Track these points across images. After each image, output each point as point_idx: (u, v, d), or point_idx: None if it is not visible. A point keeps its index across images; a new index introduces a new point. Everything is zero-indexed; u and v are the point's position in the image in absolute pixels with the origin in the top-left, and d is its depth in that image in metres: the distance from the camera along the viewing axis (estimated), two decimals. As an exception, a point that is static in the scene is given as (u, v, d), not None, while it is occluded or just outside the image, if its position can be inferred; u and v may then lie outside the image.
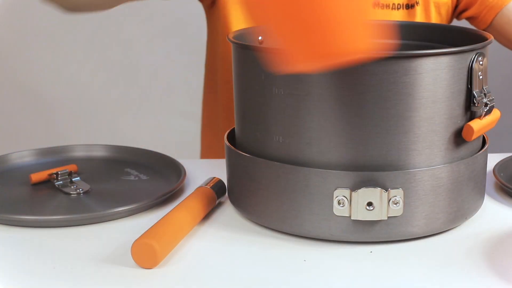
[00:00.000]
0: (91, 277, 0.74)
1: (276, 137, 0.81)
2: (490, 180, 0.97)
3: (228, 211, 0.90)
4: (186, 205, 0.84)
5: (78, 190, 0.94)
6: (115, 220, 0.87)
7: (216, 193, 0.90)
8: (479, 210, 0.88)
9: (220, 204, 0.92)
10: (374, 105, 0.76)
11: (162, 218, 0.80)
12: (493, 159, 0.99)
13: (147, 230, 0.77)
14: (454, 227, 0.84)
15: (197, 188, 0.89)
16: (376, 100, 0.76)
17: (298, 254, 0.79)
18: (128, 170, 1.02)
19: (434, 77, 0.77)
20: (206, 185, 0.90)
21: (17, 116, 2.56)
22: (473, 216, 0.87)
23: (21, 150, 1.06)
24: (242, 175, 0.85)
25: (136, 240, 0.75)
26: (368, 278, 0.74)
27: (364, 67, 0.75)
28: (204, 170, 1.01)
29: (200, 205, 0.86)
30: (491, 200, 0.93)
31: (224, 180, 0.92)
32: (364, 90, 0.76)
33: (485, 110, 0.81)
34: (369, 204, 0.77)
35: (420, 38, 0.98)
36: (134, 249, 0.75)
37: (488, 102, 0.81)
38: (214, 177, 0.92)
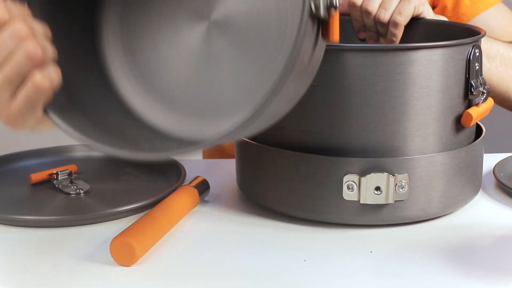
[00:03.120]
0: (91, 277, 0.74)
1: (287, 126, 0.83)
2: (490, 180, 0.97)
3: (225, 210, 0.90)
4: (167, 204, 0.84)
5: (78, 190, 0.94)
6: (115, 220, 0.87)
7: (199, 192, 0.90)
8: (479, 209, 0.89)
9: (218, 203, 0.92)
10: (382, 94, 0.80)
11: (142, 216, 0.81)
12: (493, 159, 0.99)
13: (126, 228, 0.77)
14: (453, 212, 0.86)
15: (180, 187, 0.90)
16: (384, 89, 0.80)
17: (298, 254, 0.79)
18: (128, 170, 1.02)
19: (437, 68, 0.81)
20: (189, 183, 0.90)
21: (17, 116, 2.56)
22: (473, 216, 0.88)
23: (21, 150, 1.06)
24: (253, 164, 0.87)
25: (114, 238, 0.76)
26: (368, 278, 0.74)
27: (373, 58, 0.80)
28: (204, 170, 1.01)
29: (182, 203, 0.86)
30: (491, 200, 0.93)
31: (212, 180, 0.93)
32: (374, 81, 0.80)
33: (482, 98, 0.85)
34: (377, 188, 0.81)
35: (420, 33, 1.02)
36: (113, 247, 0.75)
37: (484, 90, 0.85)
38: (198, 176, 0.92)
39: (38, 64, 0.61)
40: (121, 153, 0.66)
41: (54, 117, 0.66)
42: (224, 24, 0.76)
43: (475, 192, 0.90)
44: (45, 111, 0.65)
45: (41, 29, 0.63)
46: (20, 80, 0.61)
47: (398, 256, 0.78)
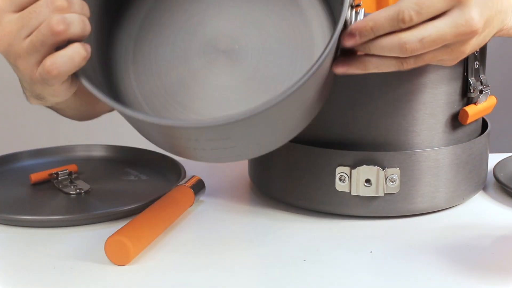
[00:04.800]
0: (91, 277, 0.74)
1: None
2: (490, 180, 0.97)
3: (220, 210, 0.90)
4: (162, 203, 0.85)
5: (78, 190, 0.94)
6: (115, 220, 0.87)
7: (195, 191, 0.90)
8: (479, 209, 0.89)
9: (215, 203, 0.92)
10: (375, 89, 0.82)
11: (136, 216, 0.81)
12: (493, 159, 0.99)
13: (120, 228, 0.77)
14: (453, 212, 0.88)
15: (175, 186, 0.90)
16: (377, 84, 0.82)
17: (298, 254, 0.79)
18: (128, 170, 1.02)
19: (432, 65, 0.82)
20: (185, 183, 0.90)
21: (17, 116, 2.56)
22: (473, 216, 0.88)
23: (21, 150, 1.06)
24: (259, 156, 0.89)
25: (108, 237, 0.76)
26: (368, 278, 0.74)
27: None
28: (204, 170, 1.01)
29: (177, 203, 0.86)
30: (491, 200, 0.93)
31: (205, 179, 0.93)
32: (367, 75, 0.80)
33: (481, 96, 0.86)
34: (367, 181, 0.83)
35: None
36: (107, 246, 0.75)
37: (483, 89, 0.86)
38: (193, 176, 0.92)
39: (61, 38, 0.63)
40: (148, 118, 0.67)
41: (84, 81, 0.67)
42: (236, 56, 0.79)
43: (475, 189, 0.90)
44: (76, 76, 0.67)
45: (79, 5, 0.65)
46: (45, 50, 0.63)
47: (397, 256, 0.78)
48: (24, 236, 0.83)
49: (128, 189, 0.96)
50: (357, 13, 0.70)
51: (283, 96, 0.65)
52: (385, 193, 0.84)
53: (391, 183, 0.83)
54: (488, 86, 0.87)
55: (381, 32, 0.69)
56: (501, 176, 0.96)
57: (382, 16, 0.68)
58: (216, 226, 0.86)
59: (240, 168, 1.03)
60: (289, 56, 0.78)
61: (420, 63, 0.72)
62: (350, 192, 0.84)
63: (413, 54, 0.70)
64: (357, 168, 0.83)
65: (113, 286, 0.72)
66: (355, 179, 0.83)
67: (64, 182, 0.96)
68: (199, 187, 0.91)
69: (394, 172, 0.83)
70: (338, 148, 0.84)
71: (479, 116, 0.88)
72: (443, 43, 0.70)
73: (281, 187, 0.89)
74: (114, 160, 1.06)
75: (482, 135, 0.89)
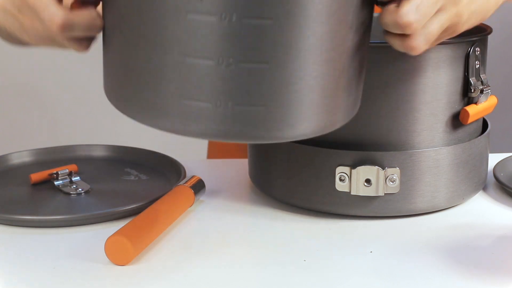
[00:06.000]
0: (91, 277, 0.74)
1: None
2: (490, 180, 0.97)
3: (221, 210, 0.90)
4: (162, 203, 0.84)
5: (78, 190, 0.94)
6: (115, 220, 0.87)
7: (195, 191, 0.90)
8: (479, 209, 0.89)
9: (214, 203, 0.92)
10: (376, 89, 0.82)
11: (136, 216, 0.81)
12: (493, 159, 0.99)
13: (120, 228, 0.77)
14: (453, 212, 0.88)
15: (175, 186, 0.90)
16: (378, 84, 0.83)
17: (298, 254, 0.79)
18: (128, 170, 1.02)
19: (433, 65, 0.83)
20: (185, 183, 0.90)
21: (17, 116, 2.56)
22: (473, 216, 0.88)
23: (21, 150, 1.06)
24: (259, 155, 0.91)
25: (108, 237, 0.75)
26: (368, 278, 0.74)
27: (369, 54, 0.80)
28: (204, 170, 1.01)
29: (177, 203, 0.86)
30: (491, 200, 0.93)
31: (205, 179, 0.93)
32: (369, 76, 0.80)
33: (481, 96, 0.86)
34: (367, 181, 0.83)
35: None
36: (107, 246, 0.75)
37: (483, 89, 0.86)
38: (193, 176, 0.92)
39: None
40: None
41: None
42: None
43: (475, 189, 0.90)
44: None
45: None
46: None
47: (397, 256, 0.78)
48: (24, 236, 0.83)
49: (128, 189, 0.96)
50: None
51: None
52: (385, 193, 0.84)
53: (391, 183, 0.83)
54: (489, 86, 0.87)
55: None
56: (501, 176, 0.96)
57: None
58: (216, 226, 0.86)
59: (240, 168, 1.03)
60: None
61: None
62: (350, 192, 0.84)
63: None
64: (357, 168, 0.83)
65: (113, 286, 0.72)
66: (355, 179, 0.83)
67: (64, 182, 0.96)
68: (199, 187, 0.91)
69: (394, 172, 0.83)
70: (338, 148, 0.84)
71: (480, 116, 0.89)
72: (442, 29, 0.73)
73: (281, 187, 0.89)
74: (114, 160, 1.06)
75: (482, 135, 0.90)
